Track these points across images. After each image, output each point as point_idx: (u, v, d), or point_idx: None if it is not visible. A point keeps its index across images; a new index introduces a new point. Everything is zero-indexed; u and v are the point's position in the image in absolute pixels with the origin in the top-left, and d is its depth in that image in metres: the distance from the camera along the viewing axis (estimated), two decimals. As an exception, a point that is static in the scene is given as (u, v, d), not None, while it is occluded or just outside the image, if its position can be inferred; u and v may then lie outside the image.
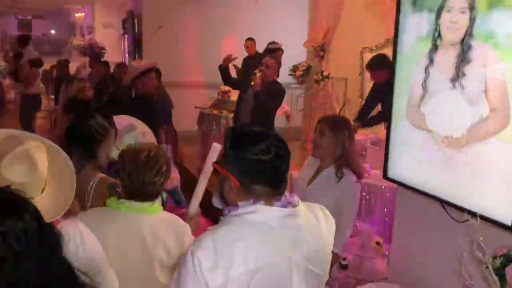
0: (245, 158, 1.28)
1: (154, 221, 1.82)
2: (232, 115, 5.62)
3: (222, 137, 6.26)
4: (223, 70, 5.03)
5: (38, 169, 1.37)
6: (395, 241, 2.69)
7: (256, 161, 1.28)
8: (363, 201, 3.58)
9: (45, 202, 1.37)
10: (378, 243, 2.87)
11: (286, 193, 1.35)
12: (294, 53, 7.18)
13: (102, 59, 7.94)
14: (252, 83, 4.61)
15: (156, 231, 1.80)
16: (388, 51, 6.11)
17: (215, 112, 6.77)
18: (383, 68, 4.52)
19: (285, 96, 5.64)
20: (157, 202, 1.86)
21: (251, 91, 4.62)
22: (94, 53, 9.01)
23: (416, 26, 2.25)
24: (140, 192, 1.80)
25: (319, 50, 7.58)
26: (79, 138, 2.18)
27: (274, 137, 1.33)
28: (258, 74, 4.66)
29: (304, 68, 7.81)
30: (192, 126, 7.53)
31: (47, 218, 1.31)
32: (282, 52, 5.60)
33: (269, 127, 4.83)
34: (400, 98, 2.40)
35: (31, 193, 1.32)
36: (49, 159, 1.42)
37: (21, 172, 1.33)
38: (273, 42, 5.65)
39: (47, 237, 1.10)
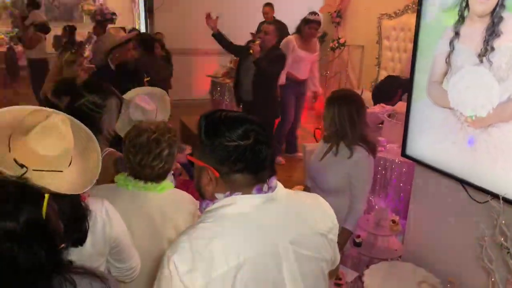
0: (222, 145, 1.17)
1: (163, 199, 1.80)
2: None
3: (233, 105, 6.19)
4: (217, 36, 4.77)
5: (66, 142, 1.34)
6: (410, 219, 2.63)
7: (235, 147, 1.17)
8: (378, 176, 3.51)
9: (73, 175, 1.35)
10: (393, 221, 2.81)
11: (270, 179, 1.24)
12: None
13: (113, 26, 7.77)
14: (251, 51, 4.47)
15: (165, 210, 1.78)
16: (407, 18, 5.89)
17: (227, 80, 6.67)
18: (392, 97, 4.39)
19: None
20: (166, 180, 1.82)
21: (251, 58, 4.49)
22: (104, 19, 8.81)
23: (441, -5, 2.10)
24: (140, 173, 1.77)
25: (335, 17, 7.36)
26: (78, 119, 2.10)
27: (252, 121, 1.22)
28: (257, 42, 4.52)
29: (320, 34, 7.62)
30: (205, 95, 7.44)
31: (75, 190, 1.33)
32: (319, 26, 5.42)
33: (273, 95, 4.77)
34: (420, 73, 2.28)
35: (59, 166, 1.32)
36: (73, 133, 1.39)
37: (49, 145, 1.30)
38: (313, 13, 5.43)
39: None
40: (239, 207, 1.18)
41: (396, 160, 3.44)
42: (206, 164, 1.20)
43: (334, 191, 2.43)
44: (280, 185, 1.26)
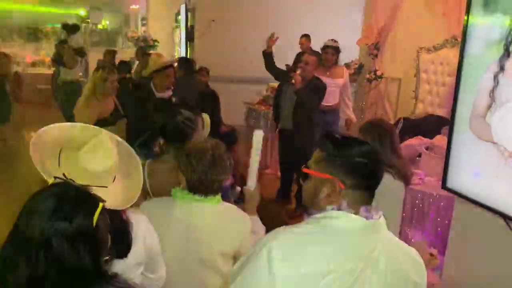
0: (352, 159, 1.27)
1: (216, 211, 1.88)
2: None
3: (269, 132, 6.26)
4: (267, 55, 4.96)
5: (112, 159, 1.43)
6: (449, 254, 2.58)
7: (362, 163, 1.27)
8: (415, 209, 3.46)
9: (116, 191, 1.43)
10: (431, 255, 2.76)
11: (375, 207, 1.33)
12: (347, 51, 7.00)
13: (153, 52, 8.09)
14: (293, 81, 4.55)
15: (218, 221, 1.86)
16: (446, 52, 5.88)
17: (262, 108, 6.77)
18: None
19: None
20: (218, 196, 1.91)
21: (292, 88, 4.57)
22: (147, 45, 9.20)
23: (486, 29, 2.12)
24: (207, 189, 1.86)
25: (373, 48, 7.41)
26: (172, 135, 2.28)
27: (374, 147, 1.34)
28: (297, 71, 4.60)
29: (356, 66, 7.67)
30: (240, 121, 7.56)
31: (118, 206, 1.41)
32: (335, 50, 5.51)
33: (312, 124, 4.80)
34: (463, 106, 2.28)
35: (105, 182, 1.40)
36: (118, 152, 1.48)
37: (97, 161, 1.39)
38: (331, 40, 5.55)
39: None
40: (344, 223, 1.25)
41: (434, 194, 3.39)
42: (332, 175, 1.28)
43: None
44: (384, 220, 1.33)
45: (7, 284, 1.07)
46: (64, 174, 1.35)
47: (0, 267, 1.07)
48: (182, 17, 9.34)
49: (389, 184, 2.41)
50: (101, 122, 3.61)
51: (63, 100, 7.57)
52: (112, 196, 1.38)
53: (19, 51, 11.70)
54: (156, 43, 10.76)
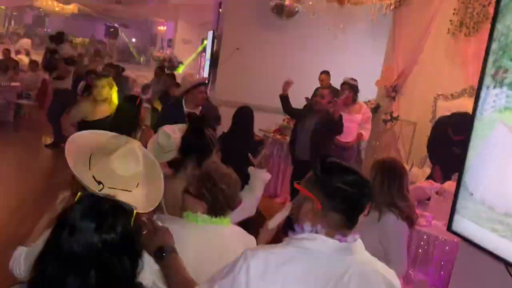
0: (334, 185, 1.37)
1: (227, 233, 1.92)
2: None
3: (282, 161, 6.35)
4: (284, 98, 5.17)
5: (139, 166, 1.55)
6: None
7: (345, 191, 1.36)
8: (420, 250, 3.50)
9: (139, 196, 1.54)
10: (432, 295, 2.80)
11: (353, 232, 1.40)
12: (365, 90, 7.15)
13: (186, 71, 8.38)
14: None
15: (229, 242, 1.90)
16: (463, 101, 5.97)
17: (278, 137, 6.90)
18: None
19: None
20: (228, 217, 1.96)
21: (309, 121, 4.72)
22: (172, 66, 9.48)
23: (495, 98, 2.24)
24: (227, 207, 1.90)
25: (391, 90, 7.53)
26: (195, 149, 2.36)
27: (362, 175, 1.42)
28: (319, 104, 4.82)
29: (373, 106, 7.78)
30: (255, 148, 7.67)
31: (139, 209, 1.45)
32: (351, 88, 5.70)
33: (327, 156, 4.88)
34: (474, 151, 2.37)
35: (130, 186, 1.51)
36: (144, 160, 1.59)
37: (126, 167, 1.51)
38: (350, 79, 5.75)
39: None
40: (318, 245, 1.34)
41: (440, 237, 3.44)
42: (314, 195, 1.39)
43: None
44: (360, 243, 1.42)
45: None
46: (93, 177, 1.46)
47: (50, 287, 1.10)
48: (208, 43, 9.62)
49: (392, 223, 2.49)
50: (85, 123, 4.05)
51: (53, 107, 7.74)
52: (134, 200, 1.47)
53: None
54: (180, 65, 11.05)
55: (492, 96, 2.24)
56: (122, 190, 1.48)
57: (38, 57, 10.72)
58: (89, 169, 1.49)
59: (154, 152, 2.18)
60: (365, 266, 1.40)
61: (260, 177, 2.39)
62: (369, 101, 7.84)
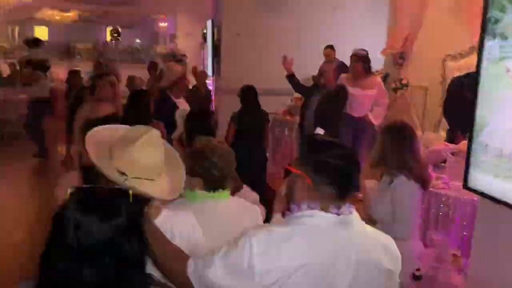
0: (321, 160, 1.41)
1: (228, 205, 1.96)
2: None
3: (293, 142, 6.31)
4: (290, 78, 5.08)
5: (160, 155, 1.54)
6: (474, 255, 2.56)
7: (331, 164, 1.40)
8: (440, 213, 3.44)
9: (162, 184, 1.54)
10: (454, 255, 2.75)
11: (348, 205, 1.43)
12: (372, 60, 7.03)
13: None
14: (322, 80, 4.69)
15: (232, 215, 1.93)
16: (472, 59, 5.82)
17: (288, 117, 6.85)
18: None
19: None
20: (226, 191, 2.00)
21: (316, 97, 4.66)
22: (175, 60, 9.45)
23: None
24: (225, 183, 1.96)
25: (398, 58, 7.40)
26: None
27: (347, 148, 1.48)
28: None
29: (381, 75, 7.66)
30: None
31: (164, 197, 1.55)
32: (360, 59, 5.53)
33: (335, 132, 4.83)
34: (483, 106, 2.30)
35: (153, 176, 1.50)
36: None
37: (148, 156, 1.49)
38: (359, 49, 5.59)
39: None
40: (316, 220, 1.39)
41: (460, 198, 3.37)
42: (303, 172, 1.41)
43: (384, 222, 2.45)
44: (356, 214, 1.44)
45: None
46: (117, 168, 1.46)
47: (66, 282, 1.12)
48: (208, 33, 9.56)
49: (403, 184, 2.45)
50: (88, 122, 3.97)
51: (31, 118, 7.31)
52: (159, 188, 1.50)
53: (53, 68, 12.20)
54: (184, 58, 11.03)
55: (490, 48, 2.17)
56: (145, 179, 1.48)
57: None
58: (111, 161, 1.49)
59: None
60: (364, 237, 1.44)
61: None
62: (377, 71, 7.72)
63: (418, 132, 3.27)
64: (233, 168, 2.01)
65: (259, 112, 5.00)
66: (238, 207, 2.01)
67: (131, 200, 1.23)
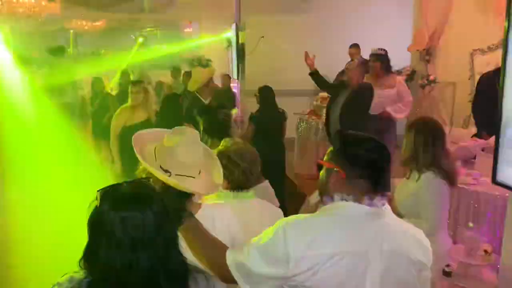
0: (355, 153, 1.46)
1: (253, 205, 2.01)
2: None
3: (319, 143, 6.30)
4: (314, 75, 5.06)
5: (200, 154, 1.66)
6: (505, 249, 2.52)
7: (364, 156, 1.45)
8: (471, 210, 3.39)
9: (202, 181, 1.64)
10: (485, 251, 2.71)
11: (380, 197, 1.45)
12: (398, 58, 6.95)
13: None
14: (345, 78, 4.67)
15: (256, 215, 1.97)
16: (501, 53, 5.69)
17: (313, 117, 6.85)
18: None
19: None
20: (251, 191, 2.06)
21: (341, 96, 4.65)
22: (202, 64, 9.58)
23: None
24: (251, 184, 2.02)
25: (425, 54, 7.30)
26: (216, 129, 3.00)
27: (380, 142, 1.50)
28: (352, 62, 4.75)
29: (408, 72, 7.56)
30: (292, 133, 7.66)
31: (204, 193, 1.68)
32: (379, 59, 5.48)
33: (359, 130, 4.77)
34: (509, 99, 2.27)
35: (193, 173, 1.61)
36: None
37: (189, 155, 1.62)
38: (379, 49, 5.56)
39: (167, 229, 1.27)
40: (349, 211, 1.43)
41: (490, 193, 3.31)
42: (338, 166, 1.46)
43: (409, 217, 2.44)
44: (388, 207, 1.48)
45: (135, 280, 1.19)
46: (160, 166, 1.58)
47: (129, 269, 1.18)
48: (232, 37, 9.64)
49: (430, 181, 2.44)
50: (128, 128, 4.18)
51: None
52: (199, 185, 1.62)
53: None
54: (209, 62, 11.15)
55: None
56: (187, 176, 1.59)
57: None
58: (156, 160, 1.61)
59: None
60: (396, 228, 1.47)
61: None
62: (403, 68, 7.63)
63: (446, 128, 3.23)
64: (258, 169, 2.04)
65: (277, 111, 5.16)
66: (262, 207, 2.05)
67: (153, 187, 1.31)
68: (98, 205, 1.22)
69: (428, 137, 2.51)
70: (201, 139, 1.79)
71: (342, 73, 6.07)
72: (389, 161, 1.49)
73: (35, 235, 4.45)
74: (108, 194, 1.24)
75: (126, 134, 4.01)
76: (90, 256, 1.22)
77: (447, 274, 2.67)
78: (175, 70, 8.93)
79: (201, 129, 3.00)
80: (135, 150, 1.62)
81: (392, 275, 1.41)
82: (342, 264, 1.36)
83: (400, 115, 5.58)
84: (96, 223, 1.22)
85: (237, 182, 2.00)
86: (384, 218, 1.45)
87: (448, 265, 2.68)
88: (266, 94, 5.20)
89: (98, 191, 1.25)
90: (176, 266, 1.24)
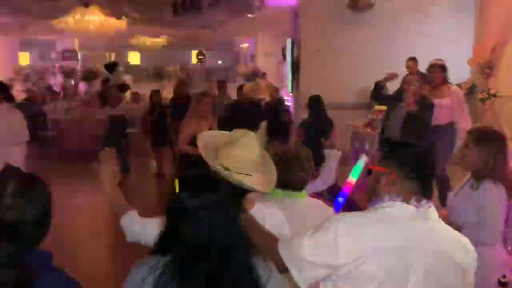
0: (404, 155, 1.57)
1: (304, 204, 2.11)
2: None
3: (375, 155, 6.24)
4: (379, 87, 5.05)
5: (256, 153, 1.80)
6: None
7: (412, 158, 1.56)
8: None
9: (259, 179, 1.77)
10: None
11: (428, 200, 1.54)
12: (457, 71, 6.79)
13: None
14: (404, 104, 4.59)
15: (306, 214, 2.06)
16: None
17: (368, 130, 6.81)
18: None
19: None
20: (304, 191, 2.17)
21: (401, 110, 4.59)
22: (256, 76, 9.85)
23: None
24: (296, 185, 2.12)
25: (485, 67, 7.08)
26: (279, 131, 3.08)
27: (424, 148, 1.63)
28: (410, 92, 4.61)
29: (468, 86, 7.36)
30: (347, 145, 7.63)
31: (261, 189, 1.78)
32: (440, 68, 5.43)
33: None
34: None
35: (251, 171, 1.75)
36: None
37: (247, 154, 1.77)
38: (437, 59, 5.53)
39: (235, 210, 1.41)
40: (397, 210, 1.52)
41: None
42: (389, 169, 1.55)
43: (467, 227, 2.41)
44: (434, 210, 1.56)
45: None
46: (221, 165, 1.73)
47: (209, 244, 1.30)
48: (288, 50, 9.82)
49: (491, 189, 2.39)
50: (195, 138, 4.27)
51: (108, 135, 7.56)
52: (256, 182, 1.75)
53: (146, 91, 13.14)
54: (264, 76, 11.40)
55: None
56: (245, 174, 1.73)
57: (141, 90, 11.40)
58: (217, 159, 1.77)
59: None
60: (441, 231, 1.54)
61: (331, 156, 2.61)
62: (463, 81, 7.43)
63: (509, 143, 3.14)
64: (309, 172, 2.15)
65: (326, 118, 5.59)
66: (315, 206, 2.15)
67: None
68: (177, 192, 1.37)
69: (493, 145, 2.47)
70: (261, 141, 1.92)
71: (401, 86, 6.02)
72: (434, 168, 1.60)
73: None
74: (185, 182, 1.39)
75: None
76: (172, 237, 1.35)
77: (503, 284, 2.60)
78: (221, 83, 9.29)
79: (262, 132, 3.12)
80: (199, 148, 1.80)
81: (435, 276, 1.47)
82: (385, 259, 1.44)
83: (468, 124, 5.44)
84: (177, 208, 1.35)
85: (290, 182, 2.10)
86: (429, 220, 1.52)
87: (504, 276, 2.61)
88: (315, 102, 5.66)
89: (175, 179, 1.39)
90: (245, 241, 1.36)
